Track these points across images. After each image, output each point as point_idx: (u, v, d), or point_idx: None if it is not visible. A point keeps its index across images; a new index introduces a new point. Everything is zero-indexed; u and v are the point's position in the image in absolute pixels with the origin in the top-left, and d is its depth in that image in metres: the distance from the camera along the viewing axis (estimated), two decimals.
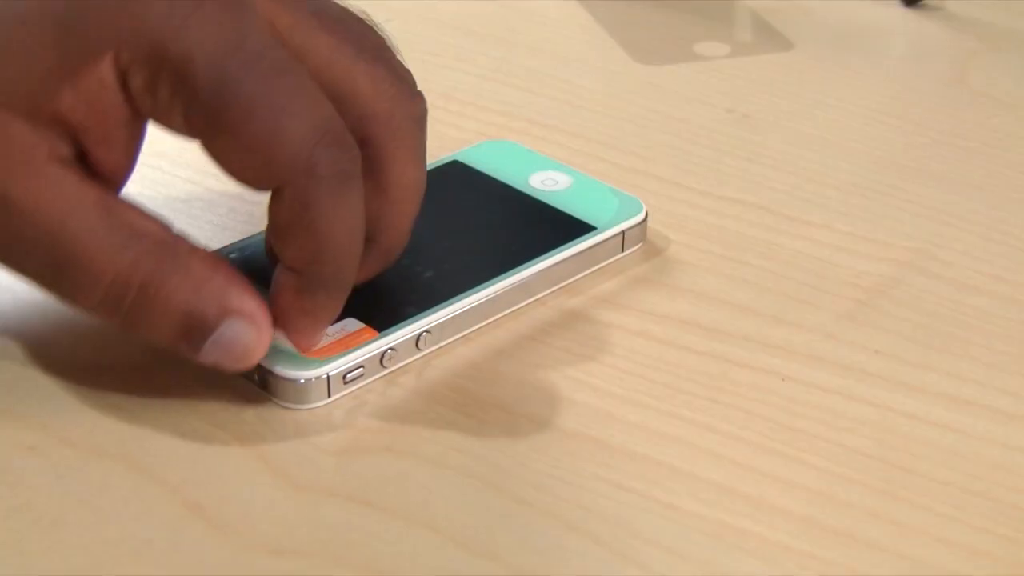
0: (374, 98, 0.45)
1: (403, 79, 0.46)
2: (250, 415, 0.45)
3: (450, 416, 0.45)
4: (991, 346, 0.49)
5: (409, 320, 0.47)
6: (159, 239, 0.42)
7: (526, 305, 0.49)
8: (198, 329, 0.42)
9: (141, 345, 0.47)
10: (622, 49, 0.69)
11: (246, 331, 0.43)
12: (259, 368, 0.45)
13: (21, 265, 0.43)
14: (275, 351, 0.45)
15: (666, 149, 0.60)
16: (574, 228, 0.51)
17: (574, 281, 0.51)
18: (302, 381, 0.45)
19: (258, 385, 0.45)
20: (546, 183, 0.54)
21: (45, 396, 0.45)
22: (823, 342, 0.49)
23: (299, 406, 0.45)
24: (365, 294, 0.46)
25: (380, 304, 0.47)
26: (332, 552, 0.40)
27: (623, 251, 0.52)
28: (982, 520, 0.42)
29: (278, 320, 0.44)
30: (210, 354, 0.43)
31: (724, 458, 0.44)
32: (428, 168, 0.47)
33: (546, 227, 0.52)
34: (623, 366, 0.47)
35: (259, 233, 0.49)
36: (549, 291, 0.50)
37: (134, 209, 0.43)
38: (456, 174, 0.49)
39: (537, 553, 0.40)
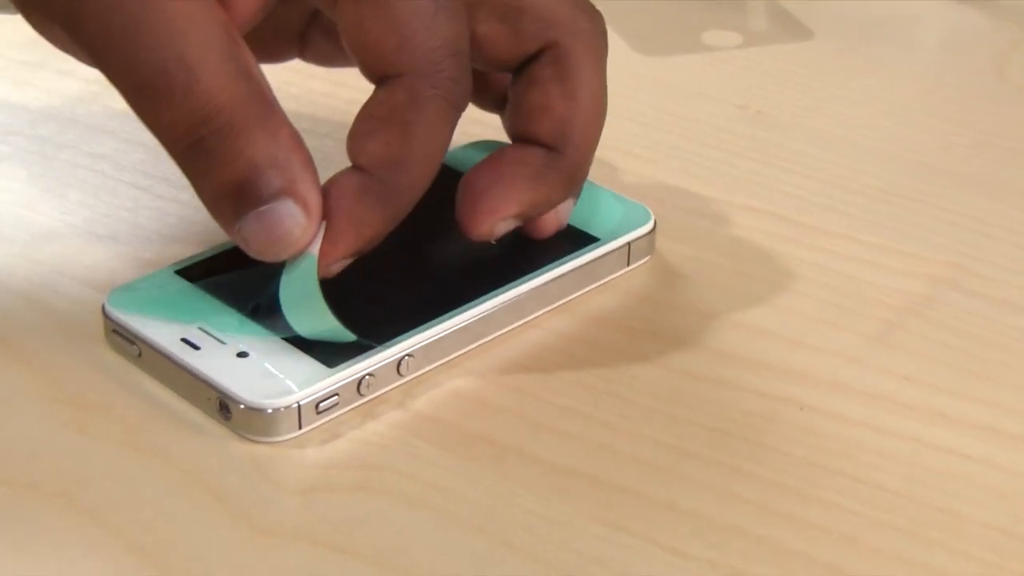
0: (558, 6, 0.49)
1: None
2: (205, 448, 0.45)
3: (430, 451, 0.45)
4: None
5: (389, 343, 0.47)
6: (264, 93, 0.45)
7: (519, 326, 0.50)
8: (253, 193, 0.44)
9: (79, 375, 0.47)
10: (622, 39, 0.69)
11: (297, 217, 0.44)
12: (220, 395, 0.45)
13: (120, 50, 0.44)
14: (237, 376, 0.45)
15: (671, 151, 0.60)
16: (574, 239, 0.51)
17: (571, 300, 0.51)
18: (269, 411, 0.45)
19: (219, 414, 0.45)
20: None
21: None
22: (847, 367, 0.49)
23: (265, 439, 0.45)
24: (340, 313, 0.46)
25: (357, 325, 0.47)
26: None
27: (628, 265, 0.52)
28: None
29: (325, 219, 0.45)
30: (248, 226, 0.44)
31: (735, 497, 0.44)
32: None
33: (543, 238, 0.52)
34: (623, 394, 0.47)
35: (219, 246, 0.50)
36: (545, 310, 0.50)
37: (252, 56, 0.45)
38: (438, 179, 0.49)
39: None
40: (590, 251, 0.51)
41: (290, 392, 0.45)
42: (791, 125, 0.62)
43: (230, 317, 0.47)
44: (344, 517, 0.43)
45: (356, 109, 0.46)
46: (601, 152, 0.59)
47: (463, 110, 0.47)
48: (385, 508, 0.43)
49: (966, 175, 0.59)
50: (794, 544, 0.42)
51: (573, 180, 0.50)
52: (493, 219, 0.49)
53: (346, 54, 0.48)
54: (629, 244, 0.52)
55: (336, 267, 0.46)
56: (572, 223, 0.52)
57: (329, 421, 0.46)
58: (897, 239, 0.55)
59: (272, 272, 0.47)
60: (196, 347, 0.46)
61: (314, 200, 0.45)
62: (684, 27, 0.70)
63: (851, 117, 0.63)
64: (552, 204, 0.50)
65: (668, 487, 0.44)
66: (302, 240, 0.45)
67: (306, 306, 0.46)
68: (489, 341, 0.49)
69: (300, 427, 0.45)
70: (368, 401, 0.46)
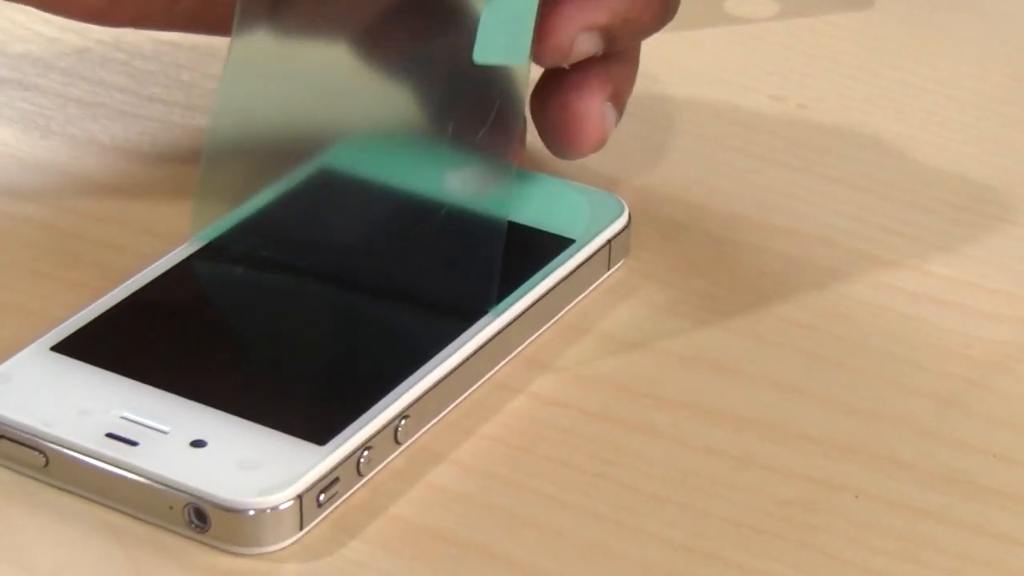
0: None
1: None
2: (68, 546, 0.44)
3: (371, 553, 0.45)
4: None
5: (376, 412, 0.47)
6: None
7: (476, 388, 0.50)
8: None
9: None
10: None
11: None
12: (190, 500, 0.44)
13: None
14: (206, 472, 0.44)
15: (684, 155, 0.61)
16: (546, 244, 0.53)
17: (549, 349, 0.51)
18: (265, 511, 0.43)
19: (188, 526, 0.44)
20: (464, 185, 0.55)
21: None
22: (915, 440, 0.49)
23: (259, 549, 0.44)
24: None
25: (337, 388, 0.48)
26: None
27: (609, 269, 0.54)
28: None
29: None
30: None
31: None
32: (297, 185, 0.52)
33: (514, 247, 0.52)
34: (614, 475, 0.47)
35: (93, 309, 0.50)
36: (539, 333, 0.52)
37: None
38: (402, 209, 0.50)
39: None
40: (574, 253, 0.53)
41: (285, 483, 0.44)
42: (841, 122, 0.63)
43: (153, 397, 0.47)
44: None
45: None
46: (596, 155, 0.59)
47: None
48: None
49: None
50: None
51: (664, 14, 0.53)
52: (576, 27, 0.51)
53: None
54: (609, 243, 0.54)
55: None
56: (539, 226, 0.54)
57: (330, 515, 0.45)
58: (980, 271, 0.55)
59: (170, 337, 0.49)
60: (132, 442, 0.45)
61: None
62: None
63: (920, 111, 0.64)
64: (640, 27, 0.53)
65: None
66: None
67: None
68: (446, 412, 0.49)
69: (302, 527, 0.44)
70: (366, 483, 0.46)
